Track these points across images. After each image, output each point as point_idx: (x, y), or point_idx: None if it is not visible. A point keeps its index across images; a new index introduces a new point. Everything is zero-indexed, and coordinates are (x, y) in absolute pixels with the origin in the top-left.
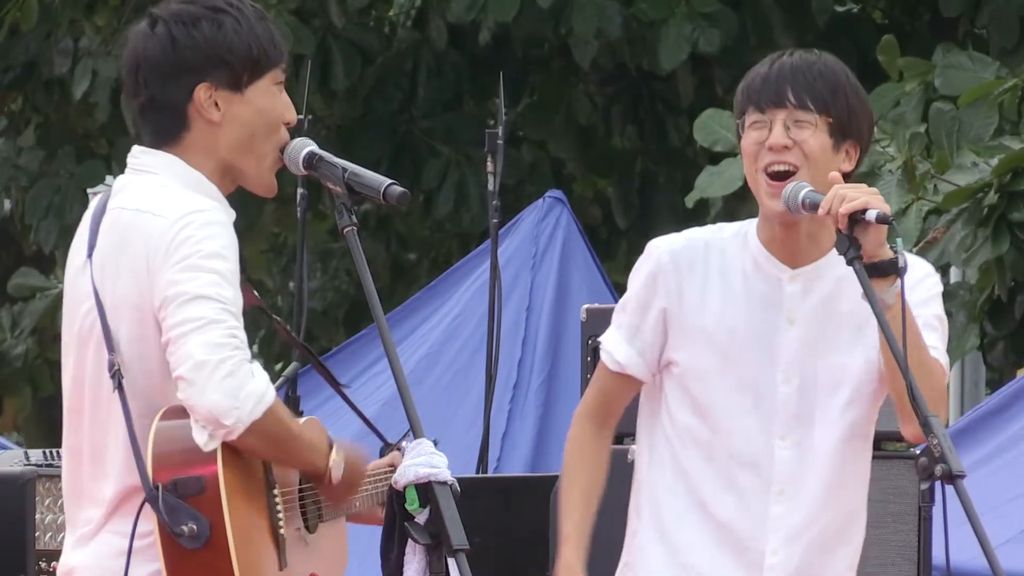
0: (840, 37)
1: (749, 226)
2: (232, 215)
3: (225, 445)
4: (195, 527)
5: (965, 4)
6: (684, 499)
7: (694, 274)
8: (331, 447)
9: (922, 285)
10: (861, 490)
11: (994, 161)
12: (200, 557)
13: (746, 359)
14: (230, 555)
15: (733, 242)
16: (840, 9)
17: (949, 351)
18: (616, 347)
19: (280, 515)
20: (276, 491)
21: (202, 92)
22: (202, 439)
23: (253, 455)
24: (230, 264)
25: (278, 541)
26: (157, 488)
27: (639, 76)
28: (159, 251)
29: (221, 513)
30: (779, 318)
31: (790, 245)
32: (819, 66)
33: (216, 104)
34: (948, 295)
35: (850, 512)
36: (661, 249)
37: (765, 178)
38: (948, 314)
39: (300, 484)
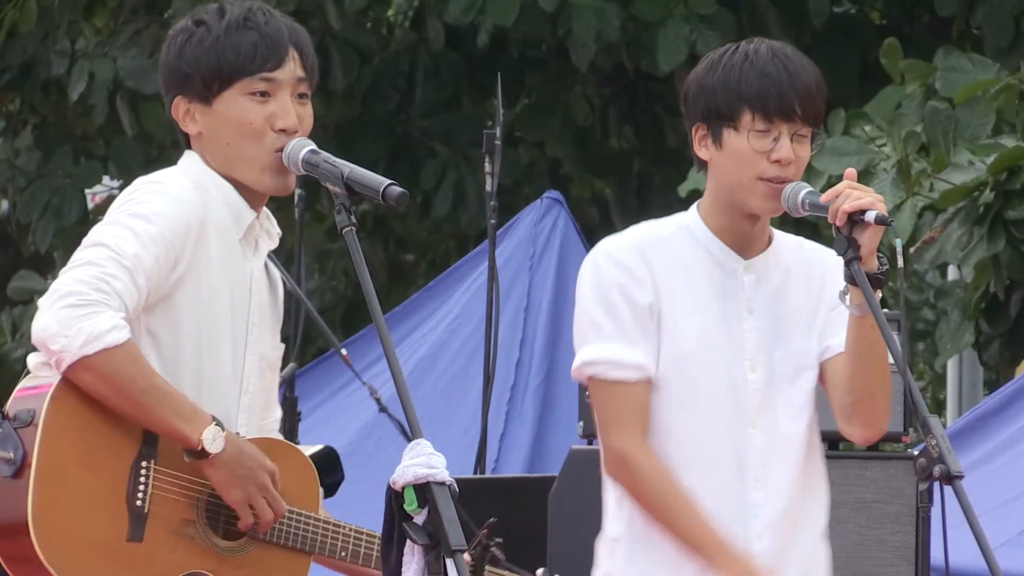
0: (838, 38)
1: (690, 219)
2: (218, 211)
3: (73, 388)
4: (12, 455)
5: (961, 4)
6: None
7: (660, 268)
8: (213, 422)
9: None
10: (823, 470)
11: (990, 159)
12: (10, 486)
13: (717, 348)
14: (28, 488)
15: (679, 236)
16: (838, 10)
17: (944, 348)
18: (628, 353)
19: (143, 487)
20: (149, 463)
21: (179, 106)
22: (33, 361)
23: (92, 395)
24: (153, 228)
25: (132, 512)
26: (1, 415)
27: (636, 77)
28: (109, 210)
29: (34, 445)
30: (740, 307)
31: (746, 235)
32: (814, 76)
33: (195, 117)
34: (943, 293)
35: (818, 493)
36: (623, 247)
37: (763, 183)
38: (943, 312)
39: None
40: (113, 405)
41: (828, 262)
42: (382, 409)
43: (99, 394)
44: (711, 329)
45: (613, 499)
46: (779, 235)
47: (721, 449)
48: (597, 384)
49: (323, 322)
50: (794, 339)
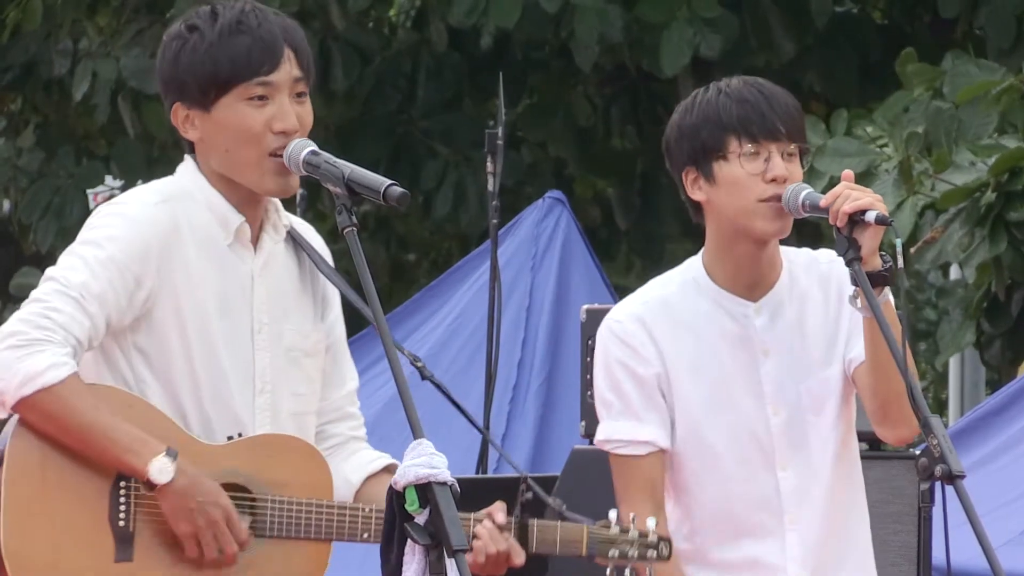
0: (839, 38)
1: (695, 271)
2: (199, 219)
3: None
4: None
5: (963, 5)
6: (704, 551)
7: (664, 333)
8: (163, 453)
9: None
10: (860, 490)
11: (991, 160)
12: None
13: (734, 401)
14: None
15: (684, 291)
16: (839, 10)
17: (945, 347)
18: (635, 431)
19: (124, 508)
20: (129, 483)
21: (178, 112)
22: None
23: (39, 431)
24: (103, 253)
25: (117, 533)
26: None
27: (638, 76)
28: None
29: (0, 481)
30: (754, 352)
31: (753, 275)
32: (790, 98)
33: (194, 123)
34: (945, 292)
35: (856, 517)
36: (624, 321)
37: (765, 204)
38: (944, 311)
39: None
40: (61, 441)
41: (841, 272)
42: (425, 377)
43: (46, 431)
44: (725, 385)
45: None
46: (789, 256)
47: (749, 505)
48: (612, 459)
49: (357, 297)
50: (816, 368)
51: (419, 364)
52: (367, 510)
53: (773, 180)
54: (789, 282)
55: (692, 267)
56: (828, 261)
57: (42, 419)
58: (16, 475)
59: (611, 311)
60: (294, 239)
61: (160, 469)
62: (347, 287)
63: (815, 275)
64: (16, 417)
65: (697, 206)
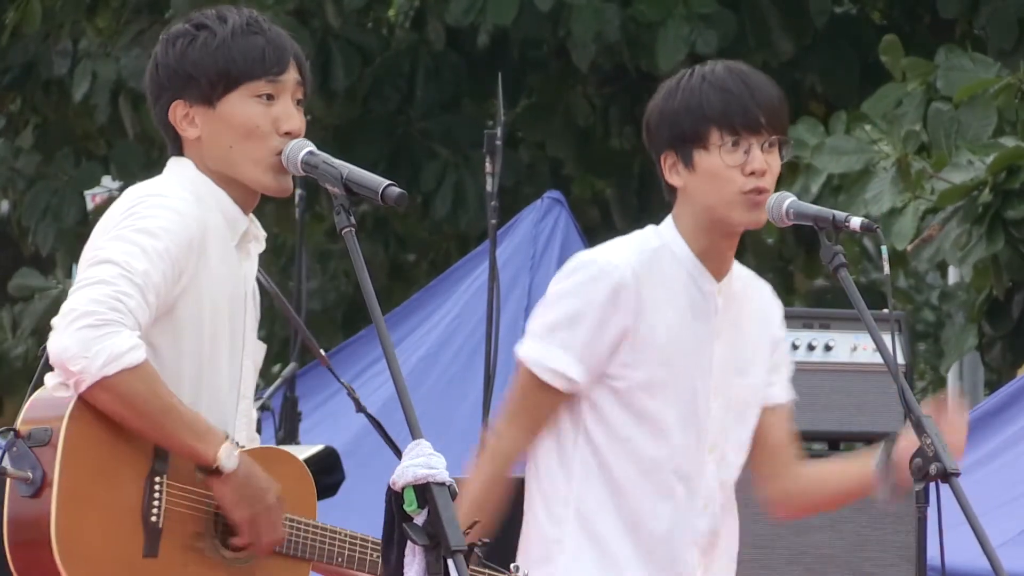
0: (838, 38)
1: (670, 237)
2: (214, 220)
3: (89, 407)
4: (31, 475)
5: (963, 5)
6: (617, 514)
7: (652, 288)
8: (227, 439)
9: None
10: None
11: (989, 159)
12: (30, 505)
13: (687, 372)
14: (50, 508)
15: (662, 254)
16: (839, 10)
17: (949, 351)
18: (569, 367)
19: (157, 503)
20: (162, 479)
21: (178, 109)
22: (52, 382)
23: (110, 414)
24: (160, 244)
25: (147, 528)
26: (14, 434)
27: (637, 76)
28: (109, 220)
29: (54, 466)
30: (711, 331)
31: (722, 256)
32: (774, 89)
33: (195, 120)
34: (947, 296)
35: (736, 530)
36: (621, 267)
37: (744, 196)
38: (947, 315)
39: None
40: (130, 424)
41: (767, 295)
42: (360, 409)
43: (116, 414)
44: (684, 354)
45: (556, 497)
46: None
47: (680, 473)
48: (527, 374)
49: (308, 334)
50: (748, 369)
51: (354, 395)
52: (343, 534)
53: (752, 174)
54: (730, 278)
55: (666, 234)
56: (753, 277)
57: (118, 400)
58: (71, 459)
59: (602, 251)
60: None
61: (228, 455)
62: (278, 294)
63: (740, 282)
64: (73, 400)
65: (672, 188)
